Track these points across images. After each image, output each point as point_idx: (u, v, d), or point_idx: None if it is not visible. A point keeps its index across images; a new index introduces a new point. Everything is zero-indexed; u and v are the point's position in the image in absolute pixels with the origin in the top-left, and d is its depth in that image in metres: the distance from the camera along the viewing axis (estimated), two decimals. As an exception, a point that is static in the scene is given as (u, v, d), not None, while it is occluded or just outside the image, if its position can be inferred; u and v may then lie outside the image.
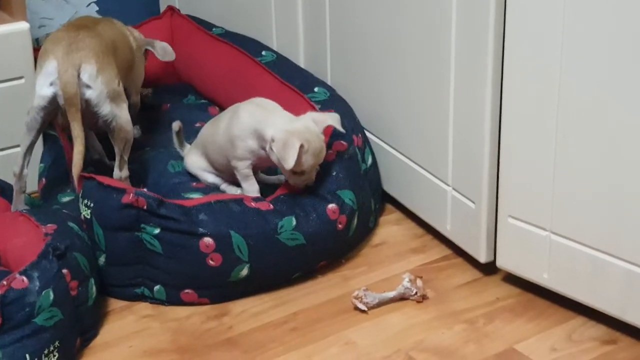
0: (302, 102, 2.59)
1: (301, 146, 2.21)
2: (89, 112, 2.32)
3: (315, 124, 2.29)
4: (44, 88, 2.31)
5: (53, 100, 2.31)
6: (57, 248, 2.07)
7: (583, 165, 2.05)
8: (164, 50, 2.72)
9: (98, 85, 2.31)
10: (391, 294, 2.24)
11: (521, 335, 2.14)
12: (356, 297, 2.21)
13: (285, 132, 2.24)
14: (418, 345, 2.11)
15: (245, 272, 2.24)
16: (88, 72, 2.30)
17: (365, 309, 2.20)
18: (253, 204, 2.28)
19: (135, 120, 2.65)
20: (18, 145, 2.41)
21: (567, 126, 2.05)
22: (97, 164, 2.58)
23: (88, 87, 2.30)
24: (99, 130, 2.46)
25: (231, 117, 2.39)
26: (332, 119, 2.33)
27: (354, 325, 2.18)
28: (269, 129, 2.28)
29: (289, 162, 2.21)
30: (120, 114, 2.36)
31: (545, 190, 2.12)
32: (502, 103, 2.16)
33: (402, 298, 2.25)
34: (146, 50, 2.72)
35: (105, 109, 2.33)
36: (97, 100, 2.32)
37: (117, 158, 2.40)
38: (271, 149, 2.26)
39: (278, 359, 2.08)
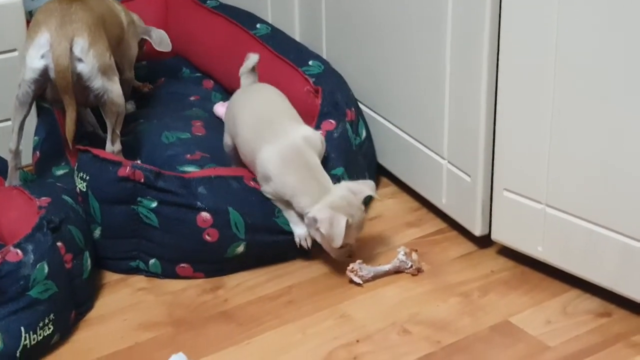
0: (296, 75, 2.59)
1: (346, 222, 2.14)
2: (80, 86, 2.30)
3: (353, 194, 2.21)
4: (36, 61, 2.29)
5: (44, 72, 2.29)
6: (52, 221, 2.06)
7: (579, 138, 2.04)
8: (160, 40, 2.70)
9: (90, 58, 2.29)
10: (386, 267, 2.24)
11: (516, 308, 2.14)
12: (351, 271, 2.22)
13: (328, 210, 2.15)
14: (413, 317, 2.12)
15: (241, 249, 2.24)
16: (80, 45, 2.28)
17: (361, 282, 2.21)
18: (252, 184, 2.27)
19: (129, 95, 2.64)
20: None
21: (563, 99, 2.04)
22: (91, 136, 2.57)
23: (80, 60, 2.29)
24: (90, 105, 2.44)
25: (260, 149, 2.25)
26: (369, 188, 2.25)
27: (349, 299, 2.18)
28: (304, 199, 2.18)
29: (337, 242, 2.14)
30: (111, 88, 2.34)
31: (541, 164, 2.12)
32: (498, 76, 2.15)
33: (397, 271, 2.25)
34: (143, 39, 2.70)
35: (97, 82, 2.31)
36: (89, 74, 2.30)
37: (109, 132, 2.38)
38: (315, 227, 2.18)
39: (273, 332, 2.08)
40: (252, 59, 2.44)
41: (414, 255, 2.25)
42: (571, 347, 2.02)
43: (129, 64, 2.64)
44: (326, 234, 2.16)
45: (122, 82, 2.42)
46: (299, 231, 2.26)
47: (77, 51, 2.28)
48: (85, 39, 2.29)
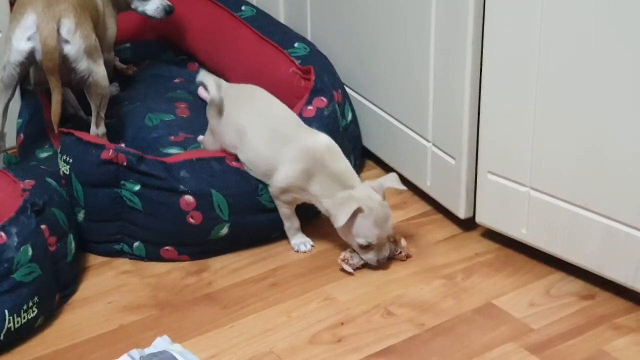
0: (282, 57, 2.58)
1: (359, 209, 2.11)
2: (65, 68, 2.28)
3: (375, 191, 2.17)
4: (22, 42, 2.27)
5: (30, 54, 2.28)
6: (35, 204, 2.06)
7: (562, 121, 2.05)
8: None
9: (77, 40, 2.28)
10: None
11: (500, 290, 2.15)
12: (343, 260, 2.21)
13: (344, 197, 2.13)
14: (397, 300, 2.12)
15: (225, 231, 2.23)
16: (67, 26, 2.26)
17: (352, 270, 2.20)
18: (234, 164, 2.27)
19: (112, 77, 2.63)
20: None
21: (546, 82, 2.04)
22: (74, 118, 2.56)
23: (67, 42, 2.27)
24: (74, 87, 2.43)
25: (276, 156, 2.20)
26: (390, 180, 2.21)
27: (333, 281, 2.19)
28: (326, 201, 2.16)
29: (340, 220, 2.11)
30: (96, 70, 2.33)
31: (525, 146, 2.12)
32: (482, 59, 2.15)
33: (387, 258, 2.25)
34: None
35: (83, 64, 2.30)
36: (76, 56, 2.29)
37: (94, 115, 2.37)
38: (327, 211, 2.17)
39: (257, 314, 2.08)
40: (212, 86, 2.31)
41: (403, 242, 2.25)
42: (555, 329, 2.03)
43: (108, 45, 2.61)
44: (334, 214, 2.14)
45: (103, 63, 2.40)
46: (295, 240, 2.28)
47: (63, 32, 2.26)
48: (72, 19, 2.27)
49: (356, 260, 2.21)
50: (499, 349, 1.97)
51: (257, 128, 2.25)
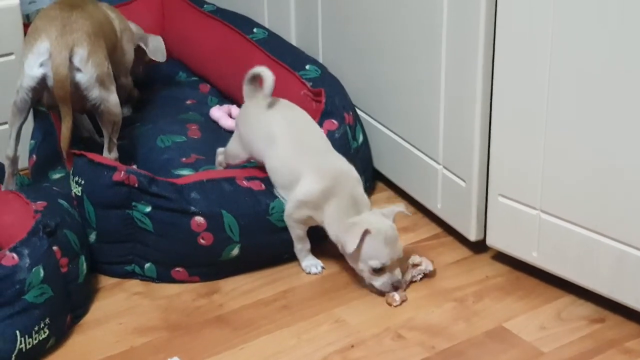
0: (293, 79, 2.59)
1: (367, 231, 2.11)
2: (77, 96, 2.29)
3: (383, 216, 2.18)
4: (34, 69, 2.28)
5: (42, 80, 2.29)
6: (47, 225, 2.06)
7: (573, 144, 2.05)
8: (155, 49, 2.70)
9: (89, 68, 2.29)
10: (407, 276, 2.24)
11: (510, 313, 2.14)
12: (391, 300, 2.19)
13: (352, 222, 2.14)
14: (407, 323, 2.12)
15: (236, 251, 2.24)
16: (80, 55, 2.28)
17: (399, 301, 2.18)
18: (245, 184, 2.28)
19: (125, 100, 2.64)
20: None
21: (557, 105, 2.04)
22: (87, 141, 2.57)
23: (79, 70, 2.28)
24: (87, 113, 2.44)
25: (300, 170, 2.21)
26: (399, 207, 2.24)
27: (344, 304, 2.19)
28: (335, 225, 2.17)
29: (350, 244, 2.11)
30: (108, 98, 2.34)
31: (536, 169, 2.12)
32: (493, 82, 2.16)
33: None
34: (138, 46, 2.69)
35: (95, 92, 2.31)
36: (87, 84, 2.30)
37: (106, 140, 2.39)
38: (337, 237, 2.17)
39: (268, 337, 2.08)
40: (269, 77, 2.33)
41: (423, 263, 2.26)
42: (565, 353, 2.02)
43: (124, 70, 2.63)
44: (343, 240, 2.14)
45: (119, 88, 2.42)
46: (306, 262, 2.28)
47: (76, 61, 2.27)
48: (85, 48, 2.28)
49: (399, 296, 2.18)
50: (509, 373, 1.97)
51: (288, 137, 2.26)
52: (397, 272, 2.18)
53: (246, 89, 2.37)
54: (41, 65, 2.27)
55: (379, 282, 2.17)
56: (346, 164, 2.26)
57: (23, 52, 2.33)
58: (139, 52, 2.71)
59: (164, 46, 2.70)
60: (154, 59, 2.71)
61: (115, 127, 2.37)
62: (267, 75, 2.33)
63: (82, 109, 2.35)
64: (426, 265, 2.26)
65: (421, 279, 2.25)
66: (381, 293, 2.18)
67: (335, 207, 2.18)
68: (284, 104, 2.36)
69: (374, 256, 2.14)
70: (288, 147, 2.25)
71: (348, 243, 2.13)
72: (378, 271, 2.15)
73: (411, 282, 2.24)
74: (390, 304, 2.17)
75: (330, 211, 2.19)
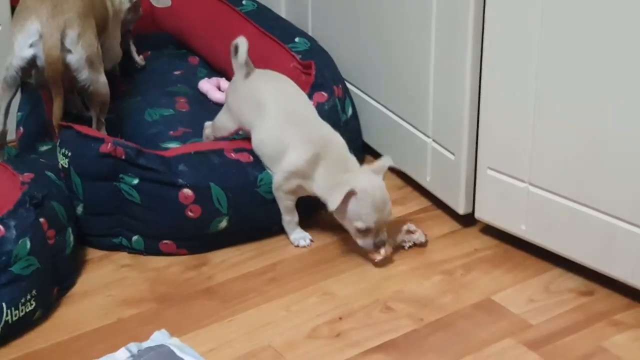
0: (282, 52, 2.58)
1: (352, 192, 2.11)
2: (67, 77, 2.27)
3: (375, 174, 2.18)
4: (25, 49, 2.26)
5: (32, 61, 2.27)
6: (34, 197, 2.05)
7: (562, 117, 2.04)
8: None
9: (79, 49, 2.27)
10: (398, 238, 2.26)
11: (498, 286, 2.15)
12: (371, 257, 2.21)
13: (339, 182, 2.13)
14: (396, 295, 2.12)
15: (224, 224, 2.23)
16: (70, 36, 2.26)
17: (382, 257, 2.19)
18: (233, 156, 2.27)
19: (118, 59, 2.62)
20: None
21: (546, 78, 2.04)
22: (75, 118, 2.55)
23: (69, 51, 2.26)
24: (75, 93, 2.43)
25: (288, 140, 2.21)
26: (388, 160, 2.22)
27: (332, 276, 2.18)
28: (320, 173, 2.17)
29: (332, 203, 2.11)
30: (98, 79, 2.33)
31: (524, 142, 2.12)
32: (482, 56, 2.15)
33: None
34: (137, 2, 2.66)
35: (84, 74, 2.30)
36: (77, 65, 2.28)
37: (94, 120, 2.38)
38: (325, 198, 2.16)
39: (256, 309, 2.08)
40: (243, 45, 2.33)
41: (417, 233, 2.27)
42: (553, 325, 2.02)
43: (116, 41, 2.60)
44: (329, 199, 2.13)
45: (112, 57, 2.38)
46: (295, 235, 2.28)
47: (67, 42, 2.25)
48: (76, 29, 2.26)
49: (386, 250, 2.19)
50: (497, 345, 1.97)
51: (276, 106, 2.25)
52: (384, 234, 2.17)
53: (234, 61, 2.36)
54: (31, 46, 2.25)
55: (362, 241, 2.17)
56: (331, 130, 2.25)
57: (12, 30, 2.31)
58: (134, 7, 2.67)
59: None
60: (158, 5, 2.66)
61: (103, 107, 2.37)
62: (241, 43, 2.32)
63: (70, 88, 2.33)
64: (419, 236, 2.26)
65: (409, 247, 2.26)
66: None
67: (324, 171, 2.18)
68: (272, 74, 2.35)
69: (359, 218, 2.14)
70: (276, 117, 2.24)
71: (330, 201, 2.12)
72: (363, 232, 2.15)
73: (399, 246, 2.24)
74: (373, 260, 2.19)
75: (319, 177, 2.18)
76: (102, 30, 2.44)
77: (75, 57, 2.27)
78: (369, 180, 2.15)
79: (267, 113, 2.25)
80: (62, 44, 2.24)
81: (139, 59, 2.80)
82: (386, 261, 2.20)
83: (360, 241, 2.18)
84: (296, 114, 2.26)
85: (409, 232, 2.27)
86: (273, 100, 2.26)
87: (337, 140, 2.24)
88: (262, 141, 2.26)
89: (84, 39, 2.27)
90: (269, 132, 2.24)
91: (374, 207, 2.13)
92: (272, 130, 2.24)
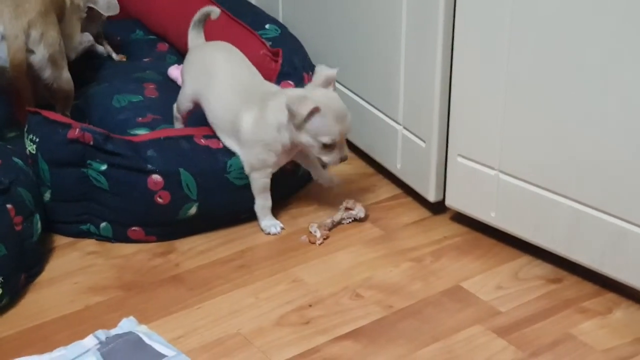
0: (252, 38, 2.56)
1: (316, 109, 2.11)
2: (29, 76, 2.26)
3: (325, 88, 2.18)
4: None
5: None
6: (1, 183, 2.04)
7: (531, 105, 2.05)
8: (107, 5, 2.64)
9: (41, 49, 2.26)
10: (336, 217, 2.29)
11: (467, 273, 2.15)
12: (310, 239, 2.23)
13: (300, 95, 2.15)
14: (365, 282, 2.12)
15: (193, 210, 2.22)
16: (33, 37, 2.24)
17: (321, 239, 2.22)
18: (203, 142, 2.26)
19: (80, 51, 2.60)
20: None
21: (516, 67, 2.04)
22: (44, 106, 2.53)
23: (32, 52, 2.25)
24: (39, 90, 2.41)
25: (251, 115, 2.21)
26: (326, 69, 2.21)
27: (302, 263, 2.18)
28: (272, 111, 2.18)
29: (300, 112, 2.10)
30: (60, 76, 2.32)
31: (494, 130, 2.12)
32: (453, 43, 2.15)
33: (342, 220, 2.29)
34: (89, 7, 2.63)
35: (47, 72, 2.29)
36: (40, 65, 2.27)
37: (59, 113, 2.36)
38: (290, 113, 2.14)
39: (224, 296, 2.07)
40: (215, 12, 2.37)
41: (357, 207, 2.30)
42: (522, 312, 2.03)
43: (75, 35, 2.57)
44: (294, 109, 2.11)
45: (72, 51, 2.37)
46: (266, 222, 2.27)
47: (29, 43, 2.24)
48: (39, 29, 2.24)
49: (321, 232, 2.23)
50: (466, 332, 1.97)
51: (227, 75, 2.27)
52: (345, 148, 2.19)
53: (191, 34, 2.38)
54: None
55: (328, 157, 2.18)
56: (277, 87, 2.29)
57: None
58: (92, 12, 2.66)
59: (115, 0, 2.64)
60: (107, 14, 2.65)
61: (67, 102, 2.37)
62: (216, 12, 2.36)
63: (35, 87, 2.31)
64: (358, 211, 2.29)
65: (350, 222, 2.29)
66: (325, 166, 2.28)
67: (277, 106, 2.17)
68: (222, 45, 2.37)
69: (324, 132, 2.14)
70: (224, 85, 2.25)
71: (299, 111, 2.11)
72: (328, 147, 2.15)
73: (339, 223, 2.27)
74: (312, 242, 2.22)
75: (271, 116, 2.18)
76: (60, 19, 2.42)
77: (38, 57, 2.26)
78: (324, 94, 2.17)
79: (218, 81, 2.26)
80: (25, 44, 2.22)
81: (118, 58, 2.78)
82: (328, 240, 2.24)
83: (326, 158, 2.18)
84: (245, 81, 2.27)
85: (348, 208, 2.29)
86: (223, 69, 2.28)
87: (274, 87, 2.27)
88: (216, 110, 2.26)
89: (46, 38, 2.26)
90: (222, 99, 2.25)
91: (337, 119, 2.14)
92: (224, 98, 2.25)
